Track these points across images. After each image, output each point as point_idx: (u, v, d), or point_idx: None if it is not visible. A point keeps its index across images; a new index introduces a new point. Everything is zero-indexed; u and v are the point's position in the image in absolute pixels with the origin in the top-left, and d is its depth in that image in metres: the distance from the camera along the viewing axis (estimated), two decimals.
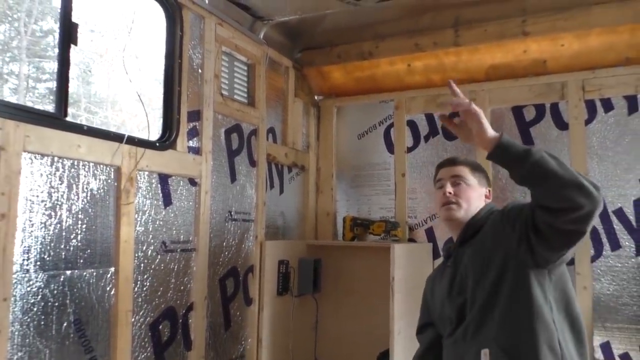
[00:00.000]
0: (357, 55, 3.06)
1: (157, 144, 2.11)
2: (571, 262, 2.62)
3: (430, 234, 3.06)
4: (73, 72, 1.81)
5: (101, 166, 1.88)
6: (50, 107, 1.77)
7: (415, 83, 3.13)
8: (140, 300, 2.04)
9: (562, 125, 2.81)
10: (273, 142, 2.95)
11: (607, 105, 2.72)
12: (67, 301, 1.76)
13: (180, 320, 2.24)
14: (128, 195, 1.96)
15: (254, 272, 2.71)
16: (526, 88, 2.89)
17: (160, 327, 2.14)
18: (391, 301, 2.53)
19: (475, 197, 1.78)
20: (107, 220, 1.90)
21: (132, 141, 1.98)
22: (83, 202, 1.82)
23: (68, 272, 1.77)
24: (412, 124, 3.17)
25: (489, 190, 1.85)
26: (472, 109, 1.48)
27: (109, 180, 1.91)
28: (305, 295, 3.00)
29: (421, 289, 2.93)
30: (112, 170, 1.92)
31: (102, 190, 1.88)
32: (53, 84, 1.69)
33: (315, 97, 3.39)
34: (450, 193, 1.76)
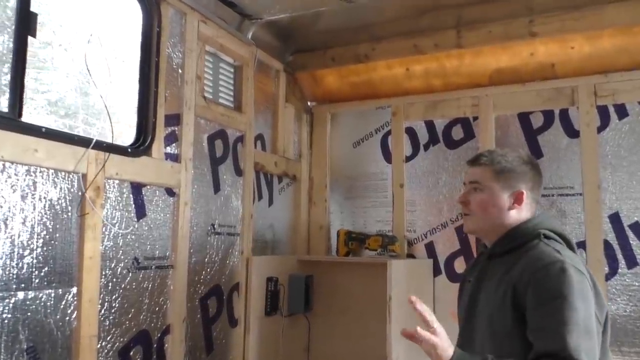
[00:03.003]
0: (352, 58, 2.87)
1: (129, 150, 1.91)
2: None
3: (431, 249, 2.84)
4: (71, 83, 1.65)
5: (62, 173, 1.67)
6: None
7: (414, 88, 2.94)
8: (107, 323, 1.83)
9: (572, 132, 2.61)
10: (262, 150, 2.75)
11: (621, 112, 2.53)
12: (19, 326, 1.55)
13: (155, 345, 2.02)
14: (94, 206, 1.75)
15: (240, 290, 2.50)
16: (533, 93, 2.69)
17: (132, 353, 1.92)
18: (388, 322, 2.32)
19: (494, 205, 1.51)
20: (68, 235, 1.69)
21: (101, 146, 1.77)
22: (40, 214, 1.61)
23: (21, 294, 1.55)
24: (410, 132, 2.97)
25: (520, 193, 1.50)
26: (431, 341, 1.32)
27: (72, 189, 1.70)
28: (295, 315, 2.79)
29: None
30: (76, 178, 1.72)
31: (63, 201, 1.67)
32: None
33: (308, 103, 3.20)
34: (462, 202, 1.55)
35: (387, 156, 3.02)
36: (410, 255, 2.88)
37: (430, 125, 2.93)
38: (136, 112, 1.98)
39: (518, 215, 1.51)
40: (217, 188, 2.39)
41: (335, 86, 3.10)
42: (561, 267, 1.32)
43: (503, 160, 1.54)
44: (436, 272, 2.81)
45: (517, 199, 1.50)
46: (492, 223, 1.52)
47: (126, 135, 1.96)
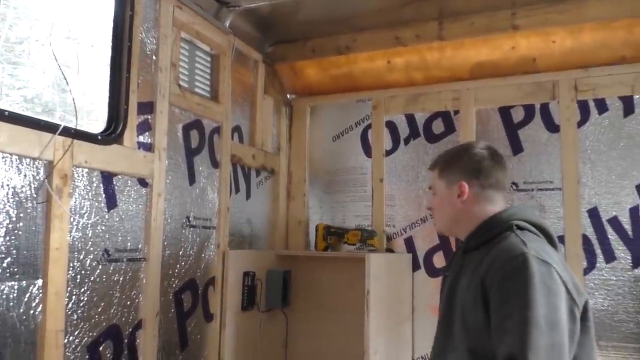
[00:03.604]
0: (333, 49, 2.82)
1: (99, 137, 1.83)
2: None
3: (410, 244, 2.81)
4: (48, 79, 1.59)
5: (27, 160, 1.60)
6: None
7: (395, 81, 2.90)
8: (75, 317, 1.75)
9: (552, 127, 2.60)
10: (239, 142, 2.69)
11: (602, 107, 2.52)
12: None
13: (126, 340, 1.95)
14: (61, 195, 1.67)
15: (216, 284, 2.43)
16: (514, 87, 2.67)
17: (101, 348, 1.85)
18: (366, 317, 2.28)
19: (444, 205, 1.55)
20: (33, 224, 1.61)
21: (69, 132, 1.70)
22: (2, 202, 1.53)
23: None
24: (391, 125, 2.94)
25: (460, 185, 1.50)
26: None
27: (38, 177, 1.63)
28: (273, 311, 2.74)
29: (400, 304, 2.70)
30: (42, 165, 1.64)
31: (27, 188, 1.59)
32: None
33: (288, 96, 3.14)
34: (428, 208, 1.59)
35: (367, 150, 2.98)
36: (390, 250, 2.84)
37: (410, 119, 2.89)
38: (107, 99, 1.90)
39: (479, 207, 1.49)
40: (192, 179, 2.32)
41: (315, 79, 3.05)
42: (522, 260, 1.28)
43: (444, 158, 1.59)
44: (415, 266, 2.78)
45: (461, 192, 1.50)
46: (452, 221, 1.54)
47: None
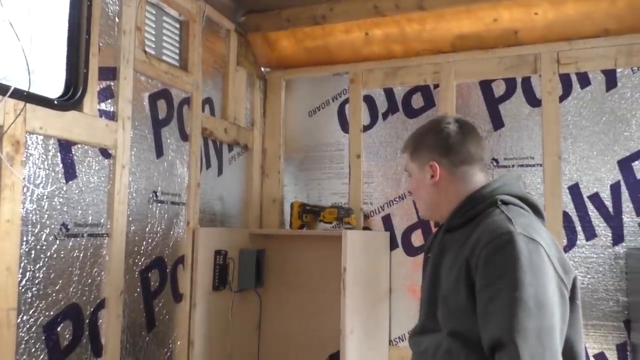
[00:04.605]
0: (308, 19, 2.70)
1: (56, 102, 1.70)
2: None
3: (388, 222, 2.74)
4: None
5: None
6: None
7: (373, 54, 2.80)
8: (30, 295, 1.63)
9: (534, 102, 2.53)
10: (210, 115, 2.56)
11: (584, 80, 2.46)
12: None
13: (87, 320, 1.84)
14: (13, 163, 1.54)
15: (185, 263, 2.32)
16: (496, 60, 2.60)
17: (59, 328, 1.73)
18: (342, 296, 2.20)
19: (419, 188, 1.46)
20: None
21: (21, 95, 1.56)
22: None
23: None
24: (369, 100, 2.84)
25: (432, 165, 1.41)
26: None
27: None
28: (246, 291, 2.64)
29: (377, 283, 2.63)
30: None
31: None
32: None
33: (262, 69, 3.02)
34: (408, 192, 1.50)
35: (344, 126, 2.88)
36: (367, 228, 2.76)
37: (389, 93, 2.80)
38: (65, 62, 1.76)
39: (456, 186, 1.40)
40: (159, 152, 2.20)
41: (290, 51, 2.93)
42: (508, 239, 1.19)
43: (413, 139, 1.49)
44: (393, 245, 2.70)
45: (433, 172, 1.41)
46: (432, 205, 1.45)
47: None
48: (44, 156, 1.67)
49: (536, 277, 1.16)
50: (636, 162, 2.36)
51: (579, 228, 2.41)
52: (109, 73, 1.92)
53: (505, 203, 1.32)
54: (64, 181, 1.75)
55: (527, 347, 1.10)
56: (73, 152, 1.78)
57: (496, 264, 1.19)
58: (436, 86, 2.70)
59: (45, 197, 1.67)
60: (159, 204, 2.20)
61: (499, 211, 1.30)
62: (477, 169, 1.42)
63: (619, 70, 2.41)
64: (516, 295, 1.14)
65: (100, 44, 1.87)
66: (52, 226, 1.71)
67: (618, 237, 2.35)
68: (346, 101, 2.88)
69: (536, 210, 1.38)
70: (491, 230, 1.24)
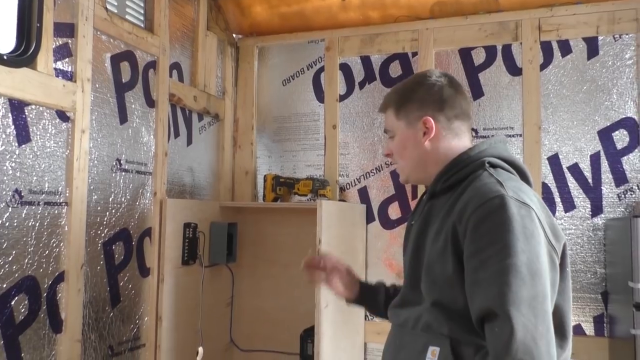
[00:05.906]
0: None
1: (6, 57, 1.56)
2: None
3: (364, 195, 2.66)
4: None
5: None
6: None
7: (350, 20, 2.70)
8: None
9: (514, 70, 2.47)
10: (179, 81, 2.43)
11: (565, 48, 2.40)
12: None
13: (45, 294, 1.72)
14: None
15: (152, 236, 2.22)
16: (476, 27, 2.52)
17: (13, 303, 1.62)
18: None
19: (406, 147, 1.31)
20: None
21: None
22: None
23: None
24: (345, 68, 2.74)
25: (426, 120, 1.27)
26: None
27: None
28: (218, 266, 2.55)
29: (354, 255, 2.56)
30: None
31: None
32: None
33: (234, 36, 2.89)
34: (386, 154, 1.35)
35: (320, 95, 2.78)
36: (342, 201, 2.68)
37: (366, 61, 2.70)
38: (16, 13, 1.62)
39: (447, 143, 1.28)
40: (123, 118, 2.07)
41: (263, 17, 2.81)
42: (500, 202, 1.10)
43: (398, 94, 1.34)
44: (369, 218, 2.63)
45: (427, 128, 1.27)
46: (419, 166, 1.31)
47: None
48: None
49: (529, 244, 1.08)
50: (616, 132, 2.32)
51: (558, 199, 2.37)
52: (66, 29, 1.78)
53: (493, 166, 1.24)
54: (16, 144, 1.62)
55: (520, 317, 1.03)
56: (26, 114, 1.65)
57: (487, 229, 1.10)
58: (414, 54, 2.61)
59: None
60: (124, 173, 2.08)
61: (487, 174, 1.21)
62: (467, 125, 1.33)
63: (600, 37, 2.35)
64: (508, 263, 1.06)
65: None
66: (4, 193, 1.58)
67: (597, 209, 2.32)
68: (321, 69, 2.78)
69: (523, 175, 1.30)
70: (481, 194, 1.15)
